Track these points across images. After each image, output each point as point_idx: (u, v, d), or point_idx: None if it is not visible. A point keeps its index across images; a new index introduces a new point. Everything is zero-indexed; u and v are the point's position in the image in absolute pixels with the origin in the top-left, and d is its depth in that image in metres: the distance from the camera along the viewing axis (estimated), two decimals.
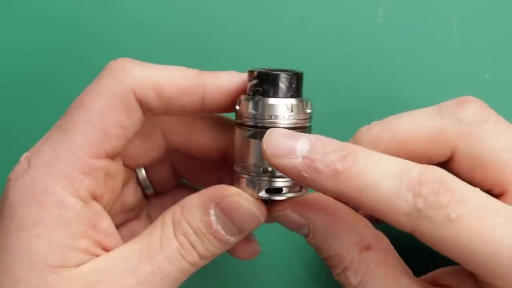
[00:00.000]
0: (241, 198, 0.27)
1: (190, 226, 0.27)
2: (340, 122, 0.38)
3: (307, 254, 0.39)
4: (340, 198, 0.25)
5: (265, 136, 0.25)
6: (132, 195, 0.33)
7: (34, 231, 0.26)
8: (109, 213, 0.29)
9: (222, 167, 0.33)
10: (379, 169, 0.24)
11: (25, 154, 0.27)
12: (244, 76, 0.28)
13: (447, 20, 0.37)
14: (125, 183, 0.32)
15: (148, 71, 0.28)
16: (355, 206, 0.25)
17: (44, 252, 0.26)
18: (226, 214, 0.27)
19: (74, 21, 0.39)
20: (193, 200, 0.28)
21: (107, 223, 0.28)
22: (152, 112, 0.29)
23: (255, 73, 0.27)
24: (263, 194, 0.27)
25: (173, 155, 0.33)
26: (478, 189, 0.24)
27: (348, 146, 0.25)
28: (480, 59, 0.37)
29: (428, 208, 0.23)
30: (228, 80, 0.28)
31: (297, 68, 0.28)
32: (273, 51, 0.38)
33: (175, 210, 0.28)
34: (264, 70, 0.27)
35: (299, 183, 0.25)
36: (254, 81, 0.27)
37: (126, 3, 0.39)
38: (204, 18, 0.39)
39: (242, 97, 0.28)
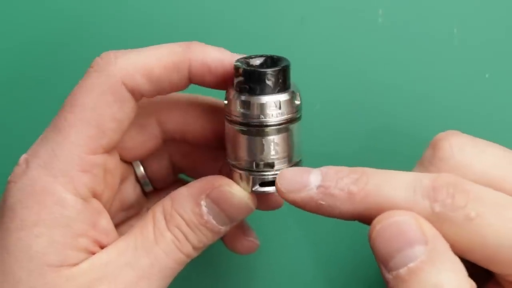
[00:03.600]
0: (232, 188, 0.28)
1: (182, 218, 0.27)
2: (339, 122, 0.38)
3: (310, 250, 0.39)
4: (358, 219, 0.25)
5: (278, 177, 0.26)
6: (131, 192, 0.33)
7: (34, 231, 0.26)
8: (109, 211, 0.29)
9: (222, 158, 0.33)
10: (392, 184, 0.24)
11: (24, 156, 0.27)
12: (235, 56, 0.28)
13: (447, 20, 0.37)
14: (123, 180, 0.32)
15: (134, 57, 0.28)
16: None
17: (44, 252, 0.26)
18: (217, 205, 0.28)
19: (72, 19, 0.39)
20: (183, 192, 0.28)
21: (105, 221, 0.28)
22: (145, 96, 0.29)
23: (241, 70, 0.27)
24: (257, 188, 0.28)
25: (171, 148, 0.33)
26: (491, 189, 0.24)
27: (358, 169, 0.25)
28: (480, 59, 0.37)
29: (447, 211, 0.23)
30: (215, 58, 0.28)
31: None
32: (273, 50, 0.38)
33: (165, 203, 0.28)
34: (249, 68, 0.27)
35: (317, 213, 0.26)
36: (240, 78, 0.27)
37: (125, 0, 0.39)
38: (204, 17, 0.39)
39: (230, 93, 0.27)
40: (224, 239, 0.35)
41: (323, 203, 0.25)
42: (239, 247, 0.34)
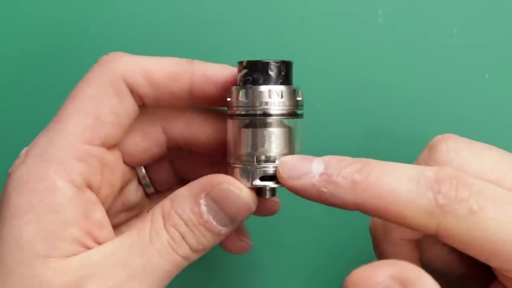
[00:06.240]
0: (232, 185, 0.27)
1: (181, 218, 0.27)
2: (339, 122, 0.38)
3: (303, 253, 0.39)
4: (360, 209, 0.25)
5: (280, 163, 0.26)
6: (133, 194, 0.33)
7: (25, 218, 0.26)
8: (109, 210, 0.29)
9: (218, 163, 0.32)
10: (395, 175, 0.24)
11: (25, 148, 0.28)
12: (235, 70, 0.29)
13: (446, 20, 0.37)
14: (126, 183, 0.32)
15: (137, 60, 0.29)
16: (376, 215, 0.25)
17: (32, 241, 0.25)
18: (217, 203, 0.27)
19: (72, 21, 0.39)
20: (183, 192, 0.27)
21: (100, 214, 0.28)
22: (144, 100, 0.29)
23: (245, 62, 0.27)
24: (257, 182, 0.27)
25: (172, 153, 0.33)
26: (493, 184, 0.25)
27: (361, 159, 0.25)
28: (479, 59, 0.37)
29: (450, 203, 0.23)
30: (216, 71, 0.29)
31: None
32: (274, 51, 0.38)
33: (165, 204, 0.28)
34: (253, 59, 0.27)
35: (318, 200, 0.26)
36: (244, 71, 0.27)
37: (125, 2, 0.39)
38: (204, 18, 0.39)
39: (233, 88, 0.28)
40: None
41: (325, 190, 0.25)
42: (232, 247, 0.34)
